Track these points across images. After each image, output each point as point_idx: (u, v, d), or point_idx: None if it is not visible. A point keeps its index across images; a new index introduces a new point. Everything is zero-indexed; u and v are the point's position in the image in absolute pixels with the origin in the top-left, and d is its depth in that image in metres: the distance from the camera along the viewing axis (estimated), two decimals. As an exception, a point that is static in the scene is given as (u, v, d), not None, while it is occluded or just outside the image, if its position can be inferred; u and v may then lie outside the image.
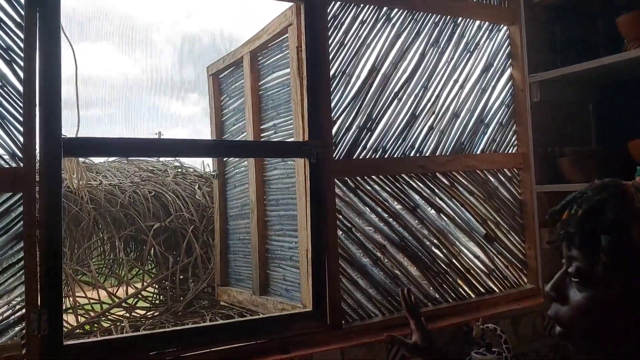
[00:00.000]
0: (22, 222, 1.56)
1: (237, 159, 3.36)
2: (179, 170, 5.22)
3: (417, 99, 2.21)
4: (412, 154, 2.18)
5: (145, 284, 3.98)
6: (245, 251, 3.18)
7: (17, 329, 1.57)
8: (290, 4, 2.35)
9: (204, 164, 5.62)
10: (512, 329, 2.20)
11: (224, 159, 3.56)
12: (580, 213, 0.71)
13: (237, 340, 1.79)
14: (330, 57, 2.02)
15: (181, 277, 3.80)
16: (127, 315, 3.59)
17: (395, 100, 2.16)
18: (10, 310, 1.58)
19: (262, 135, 2.87)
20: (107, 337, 1.78)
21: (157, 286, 3.87)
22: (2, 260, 1.57)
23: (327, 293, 1.94)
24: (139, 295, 3.72)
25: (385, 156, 2.12)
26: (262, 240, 2.84)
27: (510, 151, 2.45)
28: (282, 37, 2.57)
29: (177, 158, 5.14)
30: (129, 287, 3.87)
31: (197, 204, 4.66)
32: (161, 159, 5.53)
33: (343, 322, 1.95)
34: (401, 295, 1.50)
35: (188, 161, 5.49)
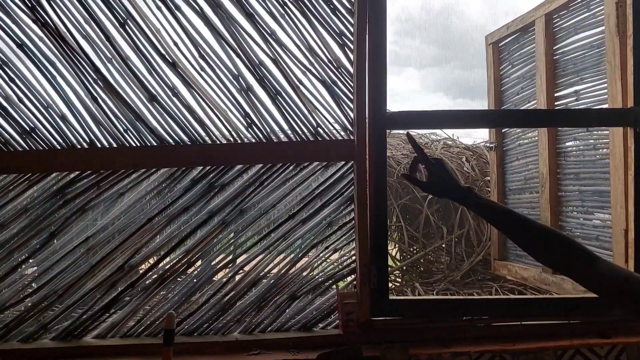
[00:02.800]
0: (352, 187, 1.78)
1: (520, 130, 3.20)
2: (448, 142, 5.27)
3: None
4: None
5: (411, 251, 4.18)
6: (530, 227, 3.03)
7: (348, 280, 1.81)
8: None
9: (453, 135, 5.55)
10: None
11: (502, 130, 3.44)
12: None
13: (548, 317, 1.73)
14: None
15: (456, 249, 3.86)
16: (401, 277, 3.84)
17: None
18: (342, 265, 1.82)
19: (556, 103, 2.67)
20: (427, 297, 1.91)
21: (431, 255, 4.01)
22: (336, 219, 1.81)
23: (654, 280, 1.71)
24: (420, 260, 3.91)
25: None
26: (555, 217, 2.66)
27: None
28: (591, -6, 2.32)
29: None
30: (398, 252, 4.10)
31: (465, 177, 4.64)
32: (421, 132, 5.67)
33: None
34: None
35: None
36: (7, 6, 1.68)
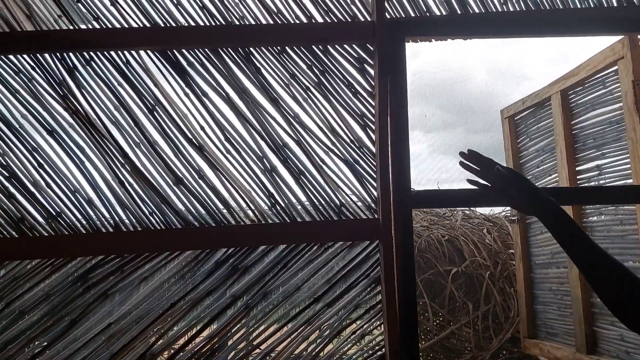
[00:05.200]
0: (378, 268, 1.74)
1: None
2: (466, 212, 5.22)
3: None
4: None
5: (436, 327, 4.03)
6: (559, 303, 2.92)
7: (377, 367, 1.73)
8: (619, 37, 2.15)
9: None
10: None
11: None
12: None
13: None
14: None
15: (482, 325, 3.71)
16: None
17: None
18: (371, 351, 1.74)
19: (578, 177, 2.65)
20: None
21: (457, 332, 3.85)
22: (362, 302, 1.75)
23: None
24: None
25: None
26: (587, 293, 2.57)
27: None
28: (605, 72, 2.36)
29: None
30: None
31: (488, 249, 4.55)
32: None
33: None
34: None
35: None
36: (39, 95, 1.75)
